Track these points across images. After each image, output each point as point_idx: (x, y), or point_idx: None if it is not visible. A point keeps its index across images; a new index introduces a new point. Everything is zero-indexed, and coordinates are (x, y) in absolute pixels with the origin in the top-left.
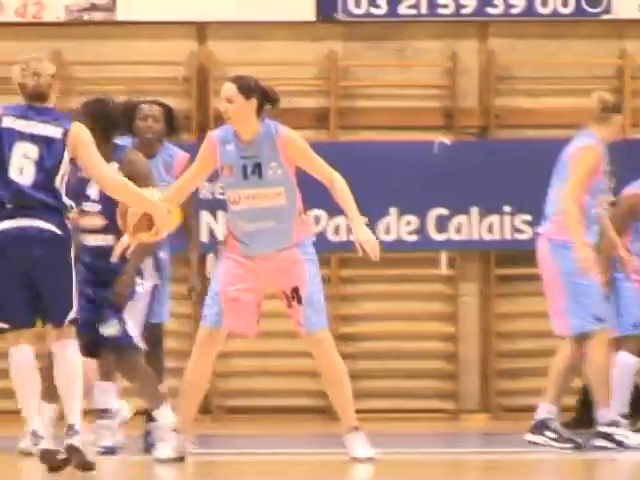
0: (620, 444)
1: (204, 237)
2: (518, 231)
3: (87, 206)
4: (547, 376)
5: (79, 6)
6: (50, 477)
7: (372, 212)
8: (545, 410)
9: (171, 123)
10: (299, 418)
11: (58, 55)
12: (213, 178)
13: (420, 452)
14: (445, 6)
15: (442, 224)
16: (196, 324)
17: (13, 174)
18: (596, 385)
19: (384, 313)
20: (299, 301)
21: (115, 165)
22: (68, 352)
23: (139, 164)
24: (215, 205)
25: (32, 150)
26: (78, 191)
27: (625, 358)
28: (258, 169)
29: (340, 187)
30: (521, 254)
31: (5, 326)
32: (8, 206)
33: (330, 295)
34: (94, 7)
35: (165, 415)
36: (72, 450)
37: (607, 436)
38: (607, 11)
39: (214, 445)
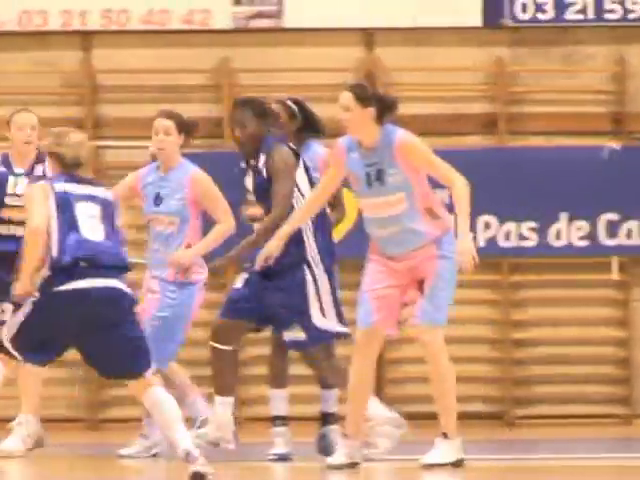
0: None
1: None
2: None
3: None
4: None
5: (246, 13)
6: None
7: (542, 217)
8: None
9: (308, 122)
10: (475, 424)
11: (225, 62)
12: None
13: (592, 457)
14: (612, 11)
15: (613, 229)
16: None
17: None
18: None
19: (555, 318)
20: (421, 293)
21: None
22: (157, 397)
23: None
24: None
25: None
26: None
27: None
28: (380, 176)
29: (457, 193)
30: None
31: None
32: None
33: (501, 300)
34: (261, 14)
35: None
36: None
37: None
38: None
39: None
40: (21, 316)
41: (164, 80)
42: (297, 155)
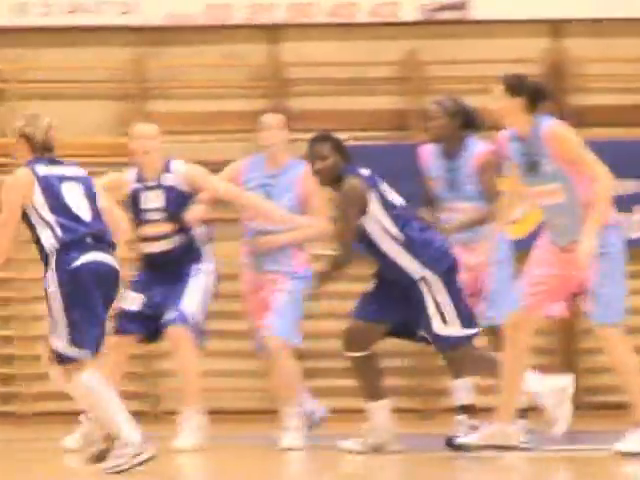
0: None
1: None
2: None
3: None
4: None
5: (433, 5)
6: None
7: None
8: None
9: (468, 119)
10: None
11: (412, 54)
12: None
13: None
14: None
15: None
16: None
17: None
18: None
19: None
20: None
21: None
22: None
23: None
24: None
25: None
26: None
27: None
28: (534, 165)
29: (599, 190)
30: None
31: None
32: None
33: None
34: (448, 6)
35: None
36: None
37: None
38: None
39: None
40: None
41: (350, 73)
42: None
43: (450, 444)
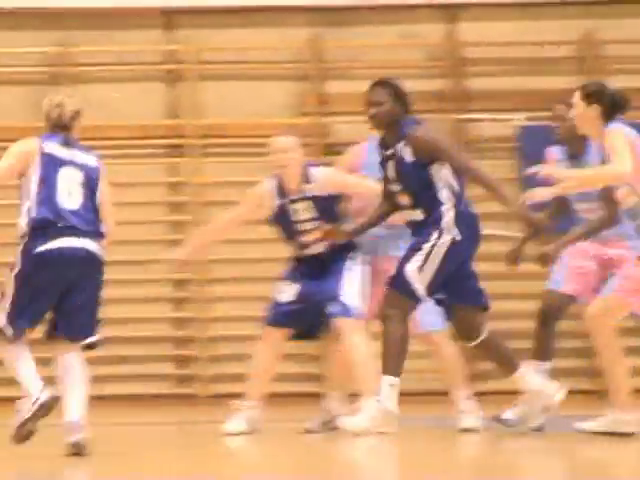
0: None
1: None
2: None
3: None
4: None
5: None
6: None
7: None
8: None
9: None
10: None
11: (591, 34)
12: None
13: None
14: None
15: None
16: None
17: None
18: None
19: None
20: None
21: None
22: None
23: None
24: None
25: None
26: None
27: None
28: None
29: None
30: None
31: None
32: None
33: None
34: None
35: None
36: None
37: None
38: None
39: None
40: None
41: (527, 52)
42: None
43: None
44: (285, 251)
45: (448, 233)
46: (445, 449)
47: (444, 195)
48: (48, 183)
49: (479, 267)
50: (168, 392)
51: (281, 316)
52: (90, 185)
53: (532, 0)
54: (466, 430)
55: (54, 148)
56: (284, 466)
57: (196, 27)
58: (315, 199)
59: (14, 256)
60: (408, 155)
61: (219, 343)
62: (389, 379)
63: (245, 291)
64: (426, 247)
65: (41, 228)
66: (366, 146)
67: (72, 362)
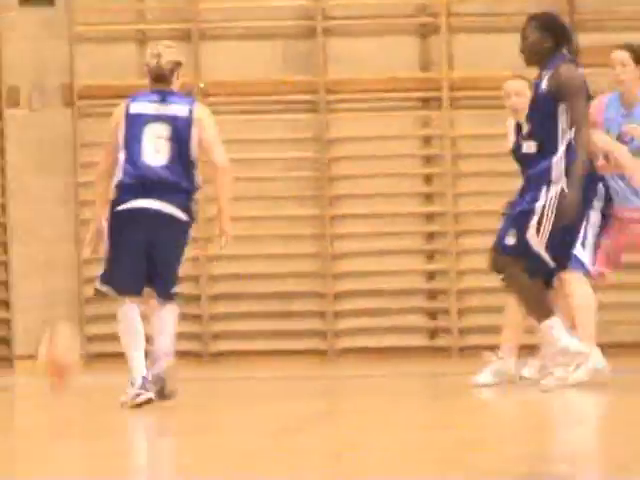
0: None
1: None
2: None
3: None
4: None
5: None
6: None
7: None
8: None
9: None
10: None
11: None
12: None
13: None
14: None
15: None
16: None
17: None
18: None
19: None
20: None
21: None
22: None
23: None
24: None
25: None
26: None
27: None
28: None
29: None
30: None
31: (114, 293)
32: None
33: None
34: None
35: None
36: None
37: None
38: None
39: None
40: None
41: None
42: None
43: None
44: None
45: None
46: None
47: (560, 136)
48: (132, 143)
49: None
50: (420, 344)
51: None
52: (180, 137)
53: None
54: None
55: (140, 107)
56: (525, 419)
57: None
58: None
59: None
60: (544, 84)
61: (470, 295)
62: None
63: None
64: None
65: (122, 189)
66: (605, 101)
67: (159, 316)
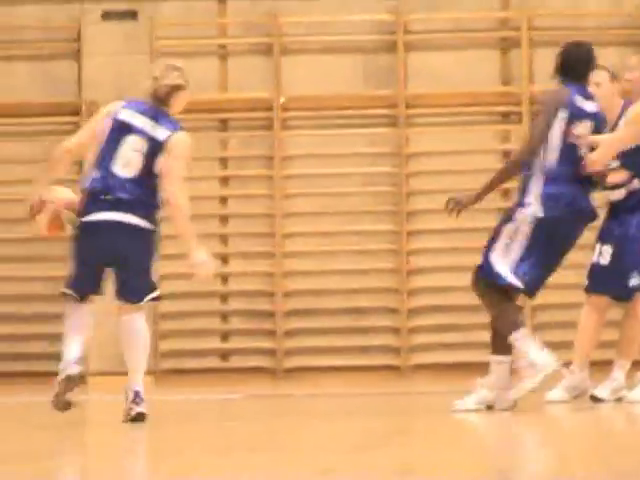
0: None
1: None
2: None
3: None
4: None
5: None
6: None
7: None
8: None
9: None
10: None
11: None
12: None
13: None
14: None
15: None
16: None
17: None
18: None
19: None
20: None
21: None
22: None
23: None
24: None
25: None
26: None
27: None
28: None
29: None
30: None
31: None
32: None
33: None
34: None
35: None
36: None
37: None
38: None
39: None
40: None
41: None
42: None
43: None
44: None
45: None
46: None
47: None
48: (108, 148)
49: None
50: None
51: (595, 281)
52: (152, 157)
53: None
54: None
55: (129, 115)
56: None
57: None
58: None
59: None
60: None
61: (542, 311)
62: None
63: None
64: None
65: (88, 197)
66: None
67: (127, 325)
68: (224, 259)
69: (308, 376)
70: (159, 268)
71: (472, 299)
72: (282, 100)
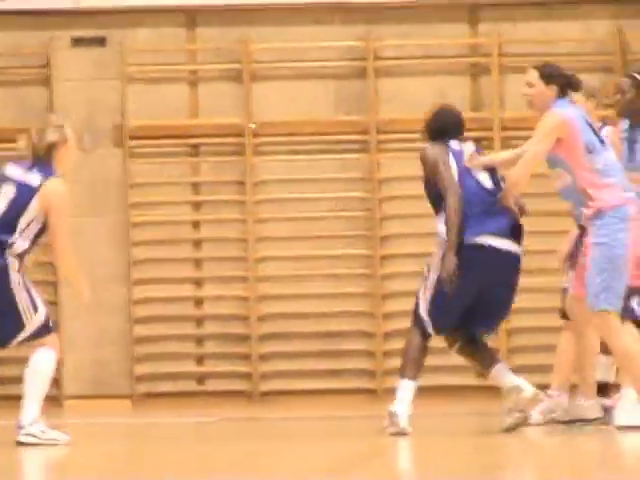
0: None
1: None
2: None
3: None
4: None
5: None
6: None
7: None
8: None
9: None
10: None
11: None
12: None
13: None
14: None
15: None
16: None
17: None
18: None
19: None
20: None
21: None
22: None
23: None
24: None
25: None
26: None
27: None
28: None
29: None
30: None
31: None
32: None
33: None
34: None
35: None
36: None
37: None
38: None
39: None
40: None
41: None
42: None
43: None
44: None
45: None
46: None
47: None
48: None
49: None
50: (471, 384)
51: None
52: (19, 203)
53: None
54: None
55: (11, 169)
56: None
57: (498, 20)
58: None
59: None
60: None
61: (519, 335)
62: None
63: (544, 282)
64: None
65: None
66: None
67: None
68: (198, 283)
69: (284, 399)
70: (133, 293)
71: None
72: (252, 126)
